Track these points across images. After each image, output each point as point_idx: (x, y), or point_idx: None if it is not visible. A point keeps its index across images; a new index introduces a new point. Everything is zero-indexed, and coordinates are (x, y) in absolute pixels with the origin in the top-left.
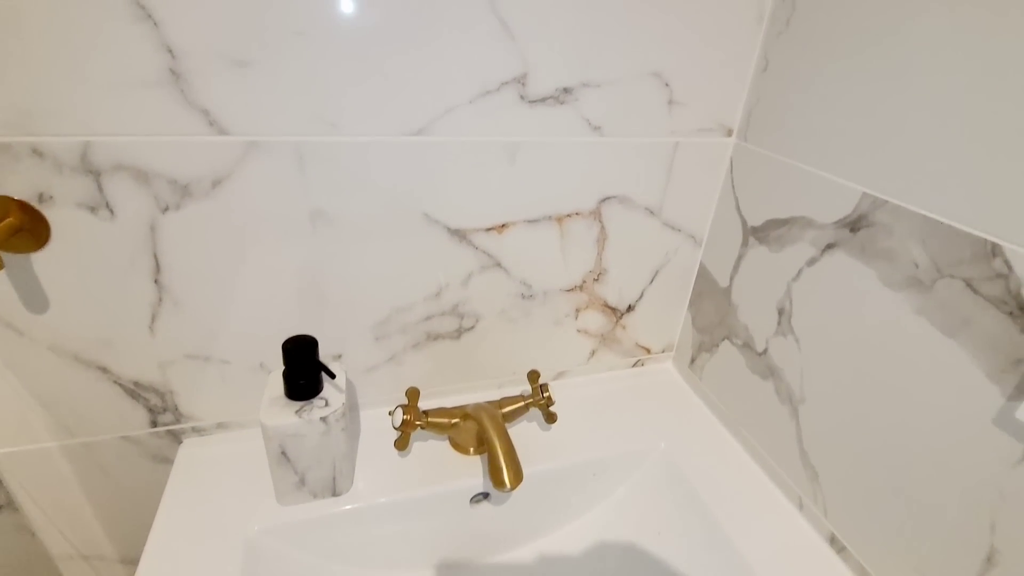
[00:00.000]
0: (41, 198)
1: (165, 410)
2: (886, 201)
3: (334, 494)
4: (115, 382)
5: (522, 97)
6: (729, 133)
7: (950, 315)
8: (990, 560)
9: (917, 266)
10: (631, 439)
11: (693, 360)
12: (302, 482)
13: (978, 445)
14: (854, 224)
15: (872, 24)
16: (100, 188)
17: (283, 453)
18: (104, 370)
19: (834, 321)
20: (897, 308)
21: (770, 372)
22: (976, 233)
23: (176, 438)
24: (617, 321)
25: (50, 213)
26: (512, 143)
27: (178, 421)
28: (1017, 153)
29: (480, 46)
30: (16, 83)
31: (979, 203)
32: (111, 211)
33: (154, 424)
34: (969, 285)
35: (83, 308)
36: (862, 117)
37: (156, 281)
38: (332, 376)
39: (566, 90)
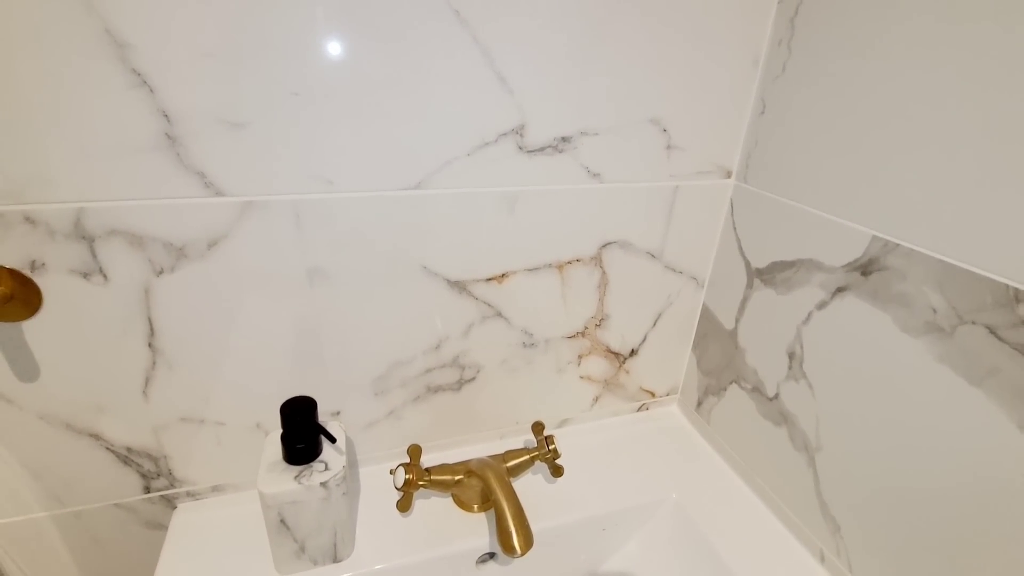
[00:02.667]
0: (33, 266)
1: (159, 475)
2: (898, 244)
3: (335, 560)
4: (107, 449)
5: (520, 147)
6: (728, 175)
7: (974, 363)
8: None
9: (935, 311)
10: (641, 490)
11: (700, 403)
12: (302, 550)
13: (1012, 499)
14: (865, 268)
15: (872, 65)
16: (93, 254)
17: (282, 521)
18: (96, 437)
19: (850, 366)
20: (917, 355)
21: (783, 418)
22: (996, 278)
23: (170, 503)
24: (620, 366)
25: (42, 280)
26: (511, 193)
27: (172, 486)
28: None
29: (477, 100)
30: (8, 151)
31: (997, 246)
32: (104, 276)
33: (147, 490)
34: (992, 332)
35: (75, 375)
36: (865, 158)
37: (150, 344)
38: (333, 440)
39: (564, 139)
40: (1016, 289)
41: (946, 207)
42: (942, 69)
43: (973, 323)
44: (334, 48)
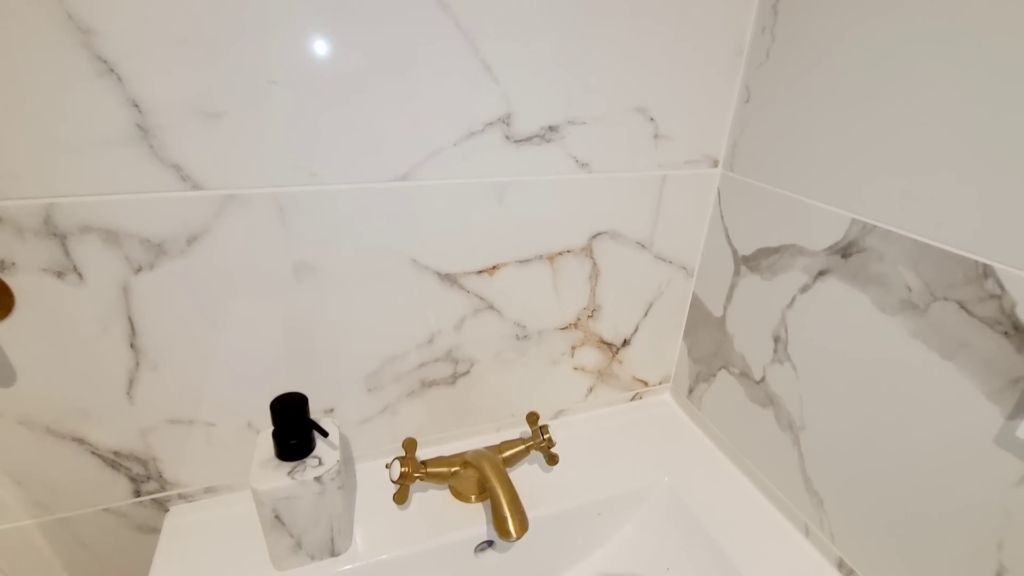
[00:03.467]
0: (3, 265)
1: (149, 478)
2: (875, 226)
3: (333, 555)
4: (93, 453)
5: (507, 137)
6: (715, 164)
7: (946, 338)
8: None
9: (910, 290)
10: (634, 476)
11: (691, 391)
12: (298, 545)
13: (981, 465)
14: (845, 250)
15: (854, 52)
16: (67, 252)
17: (277, 517)
18: (80, 441)
19: (831, 347)
20: (893, 332)
21: (769, 400)
22: (967, 255)
23: (162, 506)
24: (613, 356)
25: (13, 281)
26: (499, 184)
27: (163, 489)
28: (1005, 174)
29: (463, 88)
30: None
31: (968, 225)
32: (80, 275)
33: (138, 494)
34: (963, 307)
35: (54, 378)
36: (846, 144)
37: (132, 345)
38: (325, 434)
39: (552, 128)
40: (985, 264)
41: (919, 188)
42: (921, 54)
43: (945, 299)
44: (313, 34)
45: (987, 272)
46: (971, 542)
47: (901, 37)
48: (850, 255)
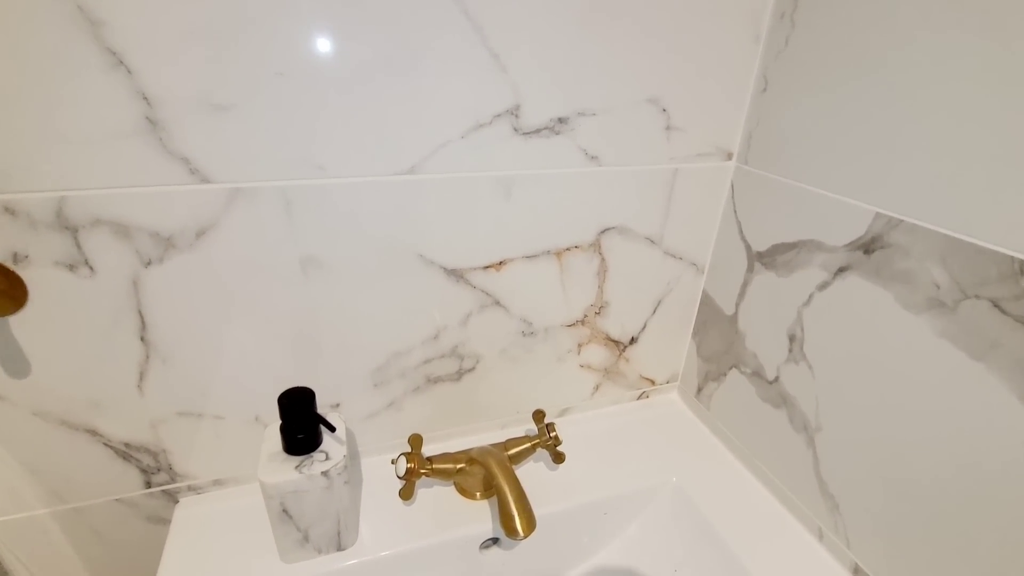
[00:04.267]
0: (16, 258)
1: (159, 470)
2: (901, 220)
3: (339, 549)
4: (105, 444)
5: (516, 129)
6: (729, 157)
7: (977, 337)
8: None
9: (938, 287)
10: (641, 475)
11: (700, 390)
12: (305, 539)
13: (1012, 470)
14: (867, 246)
15: (877, 37)
16: (78, 245)
17: (284, 511)
18: (93, 433)
19: (850, 346)
20: (918, 332)
21: (783, 400)
22: (1001, 250)
23: (172, 498)
24: (620, 354)
25: (26, 273)
26: (507, 177)
27: (173, 480)
28: None
29: (471, 79)
30: None
31: (1003, 218)
32: (91, 268)
33: (148, 485)
34: (996, 305)
35: (67, 370)
36: (870, 133)
37: (142, 338)
38: (332, 429)
39: (561, 120)
40: (1022, 261)
41: (951, 180)
42: (950, 39)
43: (977, 297)
44: (321, 26)
45: (1023, 268)
46: (999, 550)
47: (928, 18)
48: (873, 251)
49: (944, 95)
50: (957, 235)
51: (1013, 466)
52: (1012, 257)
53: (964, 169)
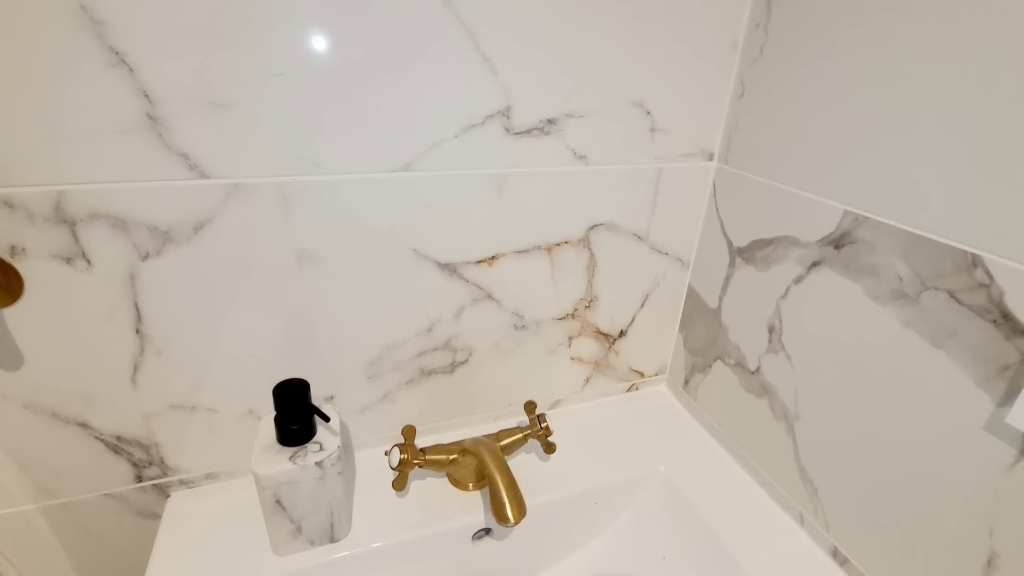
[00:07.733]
0: (13, 251)
1: (150, 464)
2: (867, 218)
3: (332, 540)
4: (96, 438)
5: (507, 129)
6: (710, 157)
7: (937, 326)
8: (991, 564)
9: (901, 280)
10: (630, 465)
11: (687, 381)
12: (298, 530)
13: (972, 452)
14: (838, 241)
15: (845, 48)
16: (76, 238)
17: (278, 502)
18: (84, 426)
19: (824, 337)
20: (885, 321)
21: (764, 390)
22: (956, 245)
23: (163, 492)
24: (610, 347)
25: (23, 266)
26: (499, 175)
27: (165, 474)
28: (992, 165)
29: (464, 81)
30: None
31: (957, 216)
32: (88, 261)
33: (139, 479)
34: (953, 296)
35: (60, 362)
36: (839, 136)
37: (137, 331)
38: (326, 419)
39: (550, 121)
40: (973, 254)
41: (910, 180)
42: (908, 51)
43: (935, 288)
44: (318, 27)
45: (976, 261)
46: (963, 528)
47: (891, 33)
48: (843, 246)
49: (905, 103)
50: (917, 231)
51: (971, 447)
52: (965, 251)
53: (923, 170)
